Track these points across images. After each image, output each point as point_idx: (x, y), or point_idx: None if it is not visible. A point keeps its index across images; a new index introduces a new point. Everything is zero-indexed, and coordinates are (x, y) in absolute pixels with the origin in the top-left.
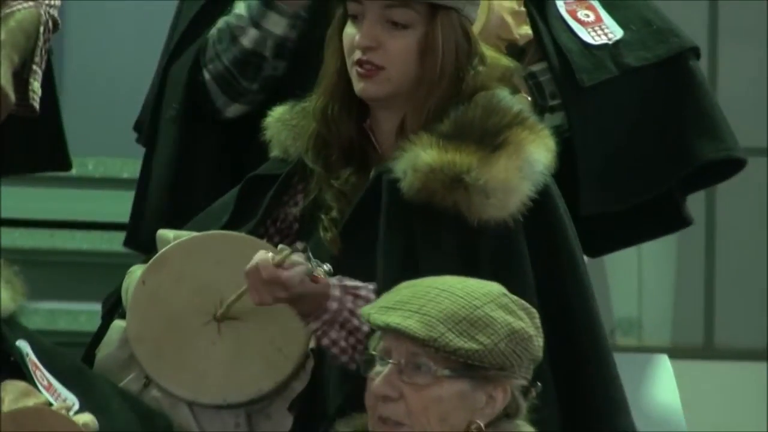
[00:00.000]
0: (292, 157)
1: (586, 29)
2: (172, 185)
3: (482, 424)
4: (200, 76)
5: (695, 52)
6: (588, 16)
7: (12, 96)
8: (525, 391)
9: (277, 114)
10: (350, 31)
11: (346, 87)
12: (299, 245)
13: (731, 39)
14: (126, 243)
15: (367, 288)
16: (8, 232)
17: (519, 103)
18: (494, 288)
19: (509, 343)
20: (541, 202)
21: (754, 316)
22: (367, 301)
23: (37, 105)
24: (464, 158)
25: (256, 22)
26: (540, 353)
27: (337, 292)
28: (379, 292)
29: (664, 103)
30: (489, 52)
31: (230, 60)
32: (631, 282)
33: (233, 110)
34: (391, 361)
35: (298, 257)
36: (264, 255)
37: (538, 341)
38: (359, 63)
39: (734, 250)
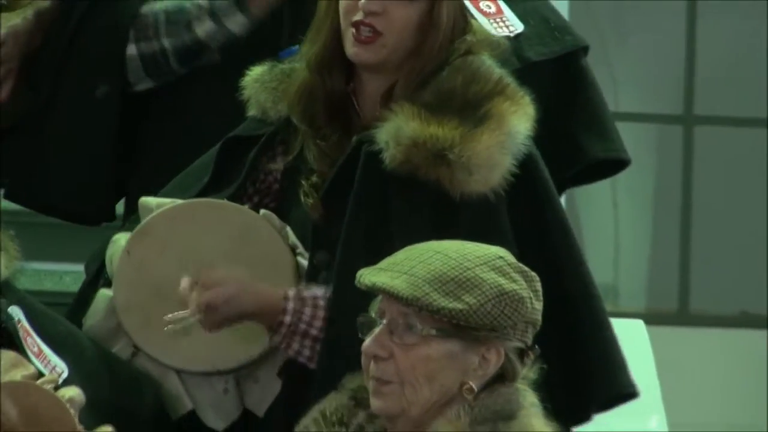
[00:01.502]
0: (271, 119)
1: (488, 20)
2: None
3: (474, 385)
4: (121, 50)
5: (586, 51)
6: (489, 7)
7: None
8: (522, 355)
9: (256, 74)
10: None
11: (338, 46)
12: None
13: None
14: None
15: (324, 290)
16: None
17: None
18: (492, 251)
19: (497, 304)
20: (525, 172)
21: (729, 283)
22: (324, 302)
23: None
24: (447, 133)
25: (216, 16)
26: (538, 317)
27: (291, 305)
28: (338, 266)
29: (558, 100)
30: (480, 28)
31: (173, 44)
32: (608, 249)
33: (143, 86)
34: (383, 321)
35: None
36: (184, 283)
37: (533, 304)
38: (358, 25)
39: (710, 218)
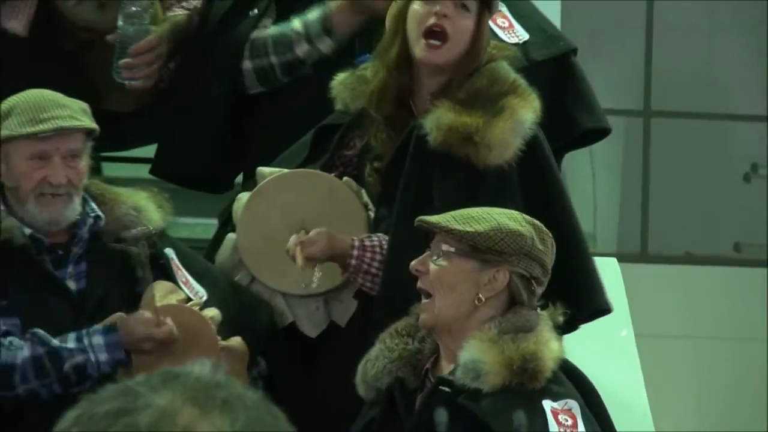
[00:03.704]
0: (351, 111)
1: (504, 32)
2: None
3: (483, 297)
4: (239, 65)
5: (575, 51)
6: (504, 23)
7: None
8: (528, 284)
9: (340, 78)
10: (418, 8)
11: (407, 53)
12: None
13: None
14: (152, 171)
15: (381, 238)
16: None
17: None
18: (516, 212)
19: (498, 233)
20: (532, 150)
21: (677, 230)
22: (381, 248)
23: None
24: (473, 121)
25: (311, 40)
26: (543, 257)
27: (355, 252)
28: (397, 215)
29: (555, 87)
30: (498, 43)
31: (279, 61)
32: (587, 203)
33: (256, 91)
34: (431, 248)
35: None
36: (292, 239)
37: (536, 244)
38: (430, 31)
39: (663, 183)
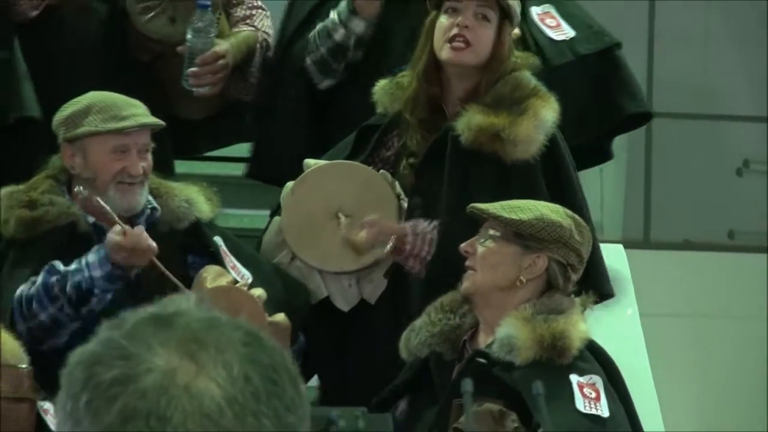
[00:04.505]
0: (389, 113)
1: (552, 30)
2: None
3: (524, 279)
4: (304, 63)
5: (620, 45)
6: (552, 22)
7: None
8: (565, 271)
9: (381, 84)
10: (443, 20)
11: (435, 64)
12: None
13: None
14: (250, 175)
15: (431, 226)
16: (208, 165)
17: (534, 79)
18: (558, 206)
19: (540, 222)
20: (551, 146)
21: (676, 220)
22: (432, 235)
23: (252, 92)
24: (500, 121)
25: (344, 24)
26: (580, 248)
27: (410, 238)
28: (445, 209)
29: (601, 78)
30: (521, 53)
31: (326, 50)
32: (596, 195)
33: (325, 84)
34: (480, 232)
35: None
36: (352, 229)
37: (573, 235)
38: (454, 37)
39: (664, 178)
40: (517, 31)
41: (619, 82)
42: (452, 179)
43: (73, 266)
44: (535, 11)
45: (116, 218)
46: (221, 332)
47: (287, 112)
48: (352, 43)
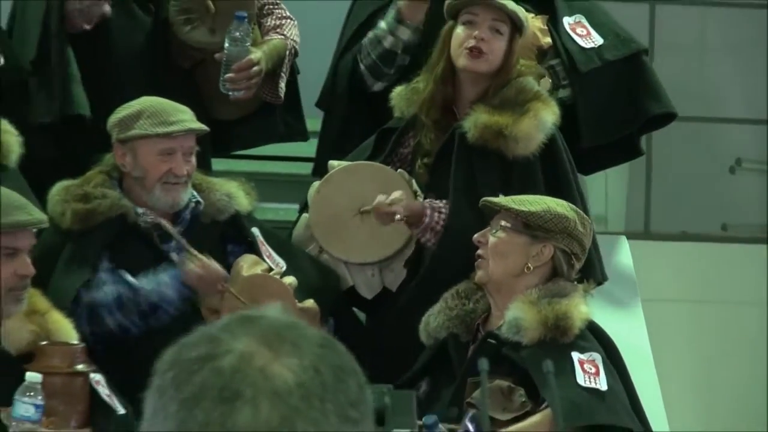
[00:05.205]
0: (406, 116)
1: (582, 38)
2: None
3: (531, 266)
4: (358, 68)
5: (646, 51)
6: (582, 31)
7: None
8: (569, 259)
9: (398, 90)
10: (460, 32)
11: (451, 68)
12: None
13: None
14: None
15: (443, 202)
16: (247, 162)
17: (539, 84)
18: (563, 200)
19: (547, 213)
20: (550, 145)
21: (674, 213)
22: (444, 209)
23: (282, 97)
24: (504, 120)
25: (392, 32)
26: (582, 239)
27: (428, 212)
28: (451, 200)
29: (628, 81)
30: (527, 62)
31: (377, 56)
32: (600, 190)
33: (378, 86)
34: (491, 224)
35: (401, 194)
36: (381, 198)
37: (577, 227)
38: (471, 48)
39: (663, 175)
40: (548, 40)
41: (644, 85)
42: (459, 173)
43: (145, 283)
44: (567, 21)
45: (196, 253)
46: (300, 332)
47: (344, 112)
48: (400, 49)
